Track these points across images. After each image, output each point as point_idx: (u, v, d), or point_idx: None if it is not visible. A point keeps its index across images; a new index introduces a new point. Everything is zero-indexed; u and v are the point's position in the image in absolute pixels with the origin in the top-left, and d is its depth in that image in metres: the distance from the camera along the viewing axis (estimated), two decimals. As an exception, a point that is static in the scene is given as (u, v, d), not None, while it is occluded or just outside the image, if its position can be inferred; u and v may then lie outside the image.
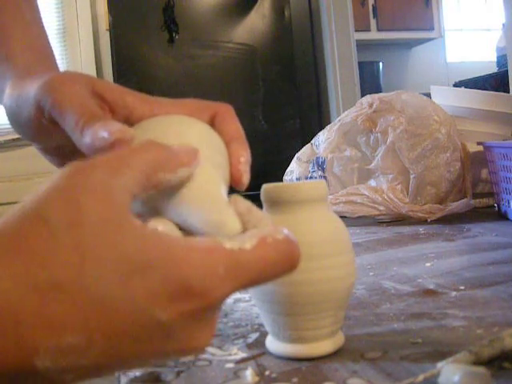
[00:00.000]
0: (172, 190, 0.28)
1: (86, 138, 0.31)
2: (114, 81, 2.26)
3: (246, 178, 0.33)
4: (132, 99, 0.35)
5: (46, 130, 0.36)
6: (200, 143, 0.31)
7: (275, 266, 0.26)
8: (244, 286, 0.25)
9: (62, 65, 2.69)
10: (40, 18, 0.48)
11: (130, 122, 0.35)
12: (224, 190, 0.30)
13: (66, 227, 0.23)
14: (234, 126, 0.35)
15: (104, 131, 0.30)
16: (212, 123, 0.35)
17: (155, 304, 0.23)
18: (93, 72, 2.67)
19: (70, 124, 0.32)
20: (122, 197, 0.24)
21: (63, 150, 0.39)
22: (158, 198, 0.28)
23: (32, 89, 0.35)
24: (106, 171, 0.25)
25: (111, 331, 0.23)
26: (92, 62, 2.69)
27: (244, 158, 0.34)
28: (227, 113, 0.36)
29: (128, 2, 2.28)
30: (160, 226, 0.26)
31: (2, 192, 2.40)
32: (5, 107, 0.39)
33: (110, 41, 2.27)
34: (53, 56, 0.45)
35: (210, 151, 0.31)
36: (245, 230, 0.28)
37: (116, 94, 0.35)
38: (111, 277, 0.22)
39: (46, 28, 0.48)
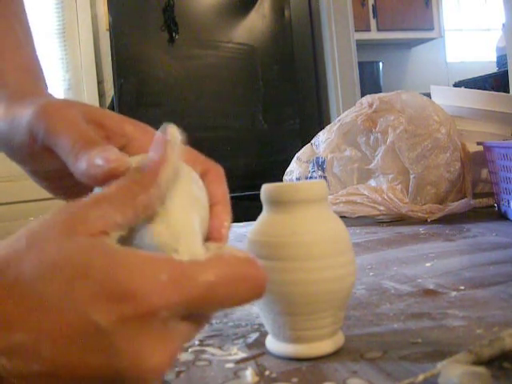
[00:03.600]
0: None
1: (82, 164, 0.30)
2: (114, 81, 2.26)
3: (224, 243, 0.33)
4: (132, 129, 0.35)
5: (38, 156, 0.35)
6: (188, 185, 0.31)
7: (232, 284, 0.25)
8: (193, 298, 0.24)
9: (62, 65, 2.69)
10: (32, 40, 0.47)
11: (126, 151, 0.34)
12: (197, 222, 0.30)
13: (24, 235, 0.25)
14: (222, 190, 0.35)
15: (100, 158, 0.29)
16: (202, 176, 0.35)
17: (93, 307, 0.23)
18: (93, 72, 2.68)
19: (65, 149, 0.31)
20: (92, 222, 0.25)
21: (52, 174, 0.38)
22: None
23: (25, 114, 0.34)
24: (82, 204, 0.26)
25: (57, 333, 0.23)
26: (92, 62, 2.69)
27: (227, 223, 0.33)
28: (218, 174, 0.35)
29: (128, 2, 2.28)
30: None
31: (2, 192, 2.40)
32: None
33: (110, 41, 2.27)
34: (44, 78, 0.44)
35: (197, 193, 0.32)
36: None
37: (114, 121, 0.35)
38: (56, 279, 0.23)
39: (37, 48, 0.47)
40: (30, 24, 0.48)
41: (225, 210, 0.34)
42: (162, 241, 0.27)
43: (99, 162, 0.29)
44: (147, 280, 0.24)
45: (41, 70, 0.45)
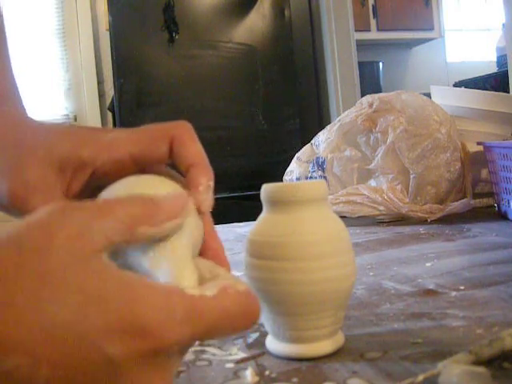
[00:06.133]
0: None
1: None
2: (114, 81, 2.26)
3: (205, 206, 0.33)
4: (89, 153, 0.35)
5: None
6: None
7: (234, 318, 0.26)
8: (201, 333, 0.25)
9: (62, 65, 2.69)
10: (3, 60, 0.44)
11: (96, 174, 0.35)
12: (188, 245, 0.30)
13: (33, 252, 0.23)
14: (193, 150, 0.34)
15: None
16: (172, 150, 0.34)
17: (107, 339, 0.23)
18: (93, 72, 2.68)
19: None
20: (96, 237, 0.24)
21: None
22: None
23: None
24: (87, 214, 0.25)
25: (58, 361, 0.22)
26: (92, 61, 2.69)
27: (203, 187, 0.33)
28: (185, 135, 0.34)
29: (128, 2, 2.28)
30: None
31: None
32: None
33: (110, 41, 2.27)
34: (11, 93, 0.42)
35: None
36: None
37: (72, 157, 0.34)
38: (67, 305, 0.22)
39: (9, 59, 0.44)
40: (2, 29, 0.45)
41: (200, 173, 0.33)
42: (166, 271, 0.27)
43: None
44: (164, 316, 0.23)
45: (9, 86, 0.42)
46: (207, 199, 0.33)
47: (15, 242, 0.24)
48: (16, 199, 0.34)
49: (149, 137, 0.35)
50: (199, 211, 0.33)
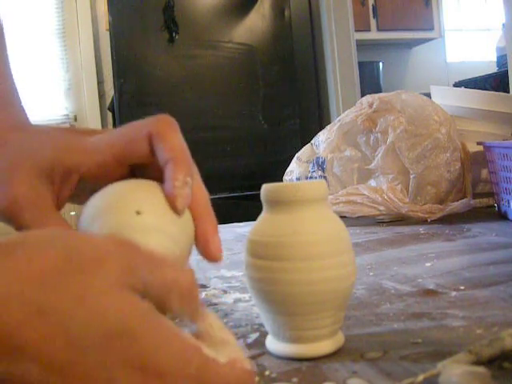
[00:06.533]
0: None
1: None
2: (114, 81, 2.26)
3: (180, 203, 0.32)
4: (73, 160, 0.35)
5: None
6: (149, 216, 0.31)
7: None
8: None
9: (62, 65, 2.69)
10: (3, 65, 0.44)
11: (85, 179, 0.35)
12: None
13: (81, 268, 0.24)
14: (170, 144, 0.33)
15: None
16: (151, 146, 0.34)
17: (125, 373, 0.23)
18: (93, 72, 2.68)
19: None
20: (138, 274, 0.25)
21: None
22: None
23: None
24: (141, 257, 0.26)
25: (69, 376, 0.23)
26: (92, 62, 2.69)
27: (179, 182, 0.32)
28: (163, 130, 0.34)
29: (128, 2, 2.28)
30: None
31: None
32: None
33: (110, 41, 2.27)
34: (6, 96, 0.42)
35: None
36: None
37: (57, 167, 0.35)
38: (95, 331, 0.23)
39: (8, 62, 0.44)
40: (4, 46, 0.45)
41: (176, 168, 0.33)
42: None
43: None
44: (181, 366, 0.24)
45: (6, 89, 0.42)
46: (182, 195, 0.32)
47: (64, 251, 0.24)
48: (9, 214, 0.34)
49: (128, 136, 0.35)
50: (174, 208, 0.32)
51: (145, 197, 0.32)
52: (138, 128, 0.35)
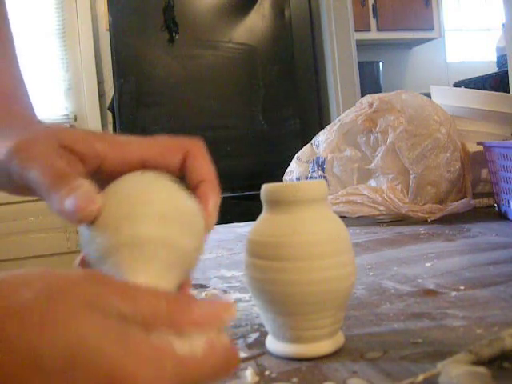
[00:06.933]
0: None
1: (54, 205, 0.31)
2: (114, 81, 2.26)
3: (211, 225, 0.35)
4: (102, 146, 0.35)
5: (19, 190, 0.37)
6: (166, 212, 0.31)
7: (219, 372, 0.26)
8: None
9: (62, 65, 2.69)
10: (8, 51, 0.44)
11: (103, 169, 0.35)
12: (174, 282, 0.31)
13: (44, 297, 0.24)
14: (206, 168, 0.36)
15: (70, 203, 0.30)
16: (184, 163, 0.36)
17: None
18: (93, 72, 2.68)
19: (37, 186, 0.32)
20: (108, 310, 0.25)
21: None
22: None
23: (2, 148, 0.35)
24: (109, 289, 0.25)
25: None
26: (92, 62, 2.69)
27: (212, 204, 0.35)
28: (199, 152, 0.36)
29: (128, 2, 2.28)
30: None
31: (2, 192, 2.39)
32: None
33: (110, 41, 2.27)
34: (21, 94, 0.42)
35: (177, 220, 0.32)
36: None
37: (85, 143, 0.35)
38: (63, 351, 0.23)
39: (17, 57, 0.44)
40: (8, 30, 0.45)
41: (210, 190, 0.35)
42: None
43: (69, 207, 0.30)
44: (154, 373, 0.24)
45: (19, 88, 0.43)
46: (215, 217, 0.35)
47: (37, 287, 0.24)
48: (18, 148, 0.34)
49: (163, 146, 0.36)
50: (207, 228, 0.34)
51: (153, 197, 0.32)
52: (174, 142, 0.36)
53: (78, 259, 0.34)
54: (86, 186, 0.31)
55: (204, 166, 0.36)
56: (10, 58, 0.45)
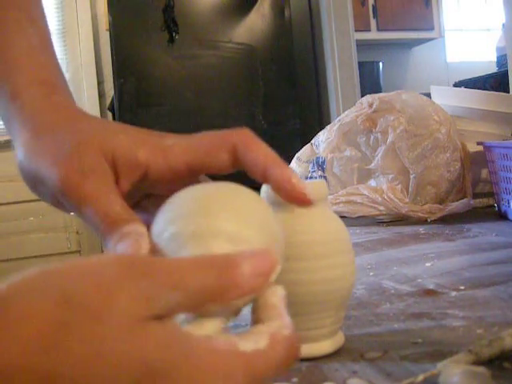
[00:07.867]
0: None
1: (108, 245, 0.30)
2: (114, 81, 2.26)
3: (307, 197, 0.32)
4: (145, 155, 0.33)
5: (64, 209, 0.35)
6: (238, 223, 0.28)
7: (284, 364, 0.25)
8: None
9: (62, 65, 2.69)
10: (49, 42, 0.43)
11: (148, 177, 0.33)
12: None
13: (85, 311, 0.21)
14: (263, 152, 0.32)
15: (120, 245, 0.29)
16: (235, 157, 0.33)
17: None
18: (93, 72, 2.68)
19: (93, 224, 0.32)
20: (158, 305, 0.22)
21: None
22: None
23: (48, 178, 0.33)
24: (155, 280, 0.23)
25: None
26: (92, 62, 2.69)
27: (295, 179, 0.32)
28: (248, 140, 0.33)
29: (128, 2, 2.28)
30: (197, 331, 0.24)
31: (2, 192, 2.39)
32: (19, 167, 0.36)
33: (110, 41, 2.27)
34: (62, 84, 0.41)
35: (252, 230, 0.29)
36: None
37: (128, 155, 0.33)
38: (123, 379, 0.20)
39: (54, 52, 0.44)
40: (46, 23, 0.44)
41: (283, 169, 0.32)
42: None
43: (121, 252, 0.29)
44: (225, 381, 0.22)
45: (58, 75, 0.42)
46: (305, 189, 0.32)
47: (62, 297, 0.21)
48: (69, 185, 0.32)
49: (208, 145, 0.33)
50: (305, 203, 0.31)
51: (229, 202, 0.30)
52: (218, 138, 0.34)
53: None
54: (137, 231, 0.30)
55: (260, 153, 0.32)
56: (45, 39, 0.43)
